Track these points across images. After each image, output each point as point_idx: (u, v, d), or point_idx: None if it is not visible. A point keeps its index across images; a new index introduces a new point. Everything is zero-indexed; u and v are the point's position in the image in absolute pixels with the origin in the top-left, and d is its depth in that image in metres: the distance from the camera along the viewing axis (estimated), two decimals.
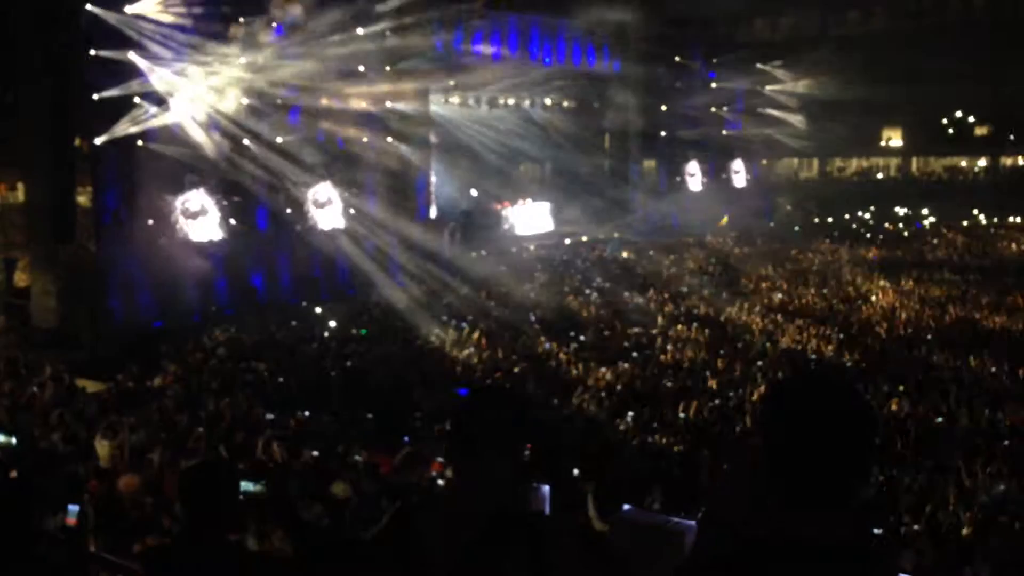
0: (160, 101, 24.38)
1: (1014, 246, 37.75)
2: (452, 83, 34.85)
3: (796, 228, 45.66)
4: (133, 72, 23.49)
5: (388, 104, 31.47)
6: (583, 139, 41.49)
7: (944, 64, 42.01)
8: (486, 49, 35.29)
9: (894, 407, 15.91)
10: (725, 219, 45.61)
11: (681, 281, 30.94)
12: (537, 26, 37.62)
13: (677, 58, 44.74)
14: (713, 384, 17.85)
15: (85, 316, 22.29)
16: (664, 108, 45.12)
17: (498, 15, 34.23)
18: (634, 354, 20.38)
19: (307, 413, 14.82)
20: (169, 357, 19.26)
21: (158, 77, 24.07)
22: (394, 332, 23.13)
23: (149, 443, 11.19)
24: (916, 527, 9.85)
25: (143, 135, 24.05)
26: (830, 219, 47.30)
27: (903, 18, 45.20)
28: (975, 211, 45.47)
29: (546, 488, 3.28)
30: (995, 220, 44.51)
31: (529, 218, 41.56)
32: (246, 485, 8.20)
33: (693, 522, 3.04)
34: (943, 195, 48.20)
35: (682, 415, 15.44)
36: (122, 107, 23.37)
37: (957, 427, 14.68)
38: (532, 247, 39.37)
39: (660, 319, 24.35)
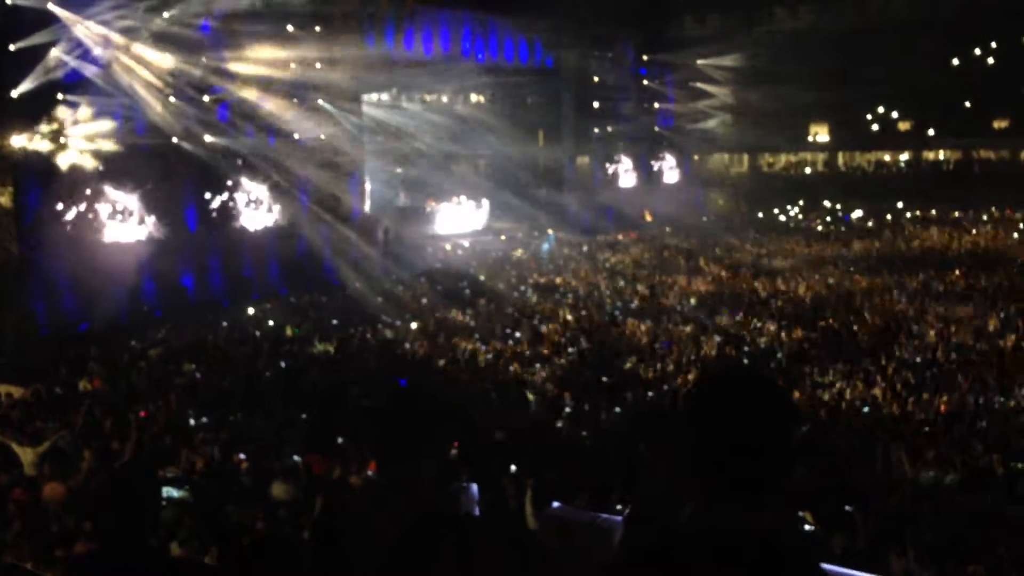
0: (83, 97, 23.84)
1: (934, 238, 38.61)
2: (384, 80, 34.64)
3: (727, 221, 46.33)
4: (54, 66, 22.92)
5: (320, 102, 31.18)
6: (517, 135, 41.57)
7: (867, 61, 43.05)
8: (417, 46, 35.14)
9: (825, 397, 16.28)
10: (648, 215, 46.38)
11: (617, 275, 31.23)
12: (468, 23, 37.55)
13: (609, 54, 45.07)
14: (650, 375, 18.07)
15: (8, 319, 21.70)
16: (597, 104, 45.41)
17: (429, 12, 34.11)
18: (570, 349, 20.50)
19: (240, 415, 14.62)
20: (96, 360, 18.85)
21: (80, 71, 23.54)
22: (328, 331, 22.96)
23: (75, 449, 10.92)
24: (848, 508, 10.05)
25: (66, 133, 23.51)
26: (760, 213, 48.06)
27: (827, 16, 46.10)
28: (899, 204, 46.61)
29: (475, 487, 3.28)
30: (918, 212, 45.66)
31: (464, 215, 41.60)
32: (171, 490, 8.06)
33: (621, 518, 3.07)
34: (868, 189, 49.38)
35: (618, 409, 15.58)
36: (44, 104, 22.79)
37: (885, 414, 15.05)
38: (467, 243, 39.37)
39: (596, 314, 24.56)
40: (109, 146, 24.44)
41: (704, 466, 2.07)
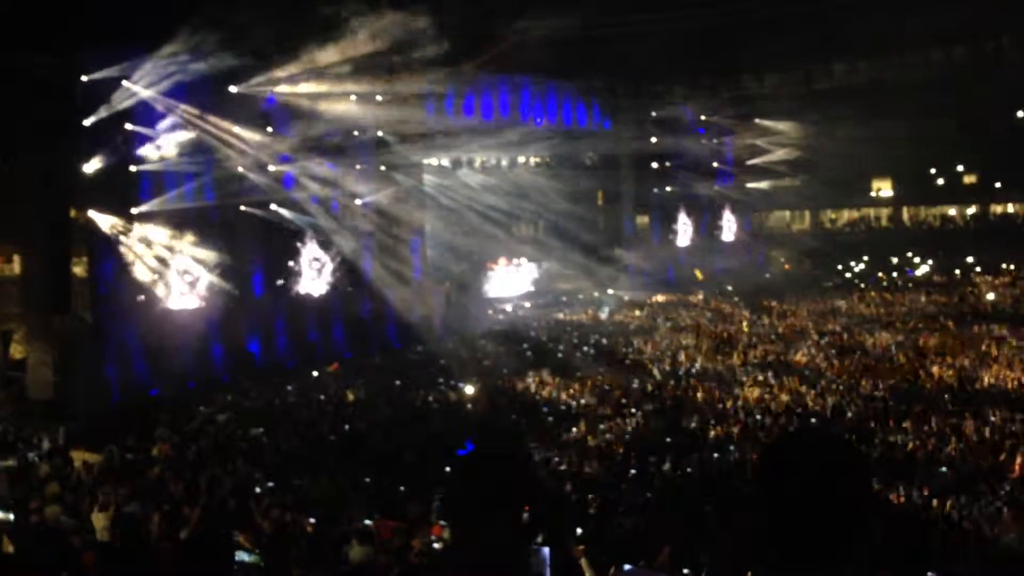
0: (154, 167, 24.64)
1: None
2: (444, 145, 35.18)
3: (789, 279, 45.79)
4: (128, 142, 23.73)
5: (382, 168, 31.77)
6: (576, 197, 41.76)
7: (930, 115, 42.51)
8: (477, 112, 35.72)
9: (899, 456, 15.85)
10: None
11: (679, 337, 30.92)
12: (527, 87, 38.09)
13: (666, 115, 45.25)
14: (714, 434, 17.80)
15: (81, 386, 22.19)
16: (655, 164, 45.54)
17: (488, 78, 34.69)
18: (632, 411, 20.30)
19: (305, 479, 14.69)
20: (166, 425, 19.14)
21: (151, 143, 24.35)
22: (390, 394, 23.08)
23: (146, 513, 11.06)
24: (930, 575, 9.76)
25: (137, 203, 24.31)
26: (824, 270, 47.43)
27: (888, 71, 45.76)
28: (968, 258, 45.65)
29: (546, 550, 3.25)
30: (986, 267, 44.60)
31: (524, 276, 41.77)
32: (242, 554, 8.10)
33: None
34: (935, 243, 48.52)
35: (688, 469, 15.36)
36: (117, 176, 23.53)
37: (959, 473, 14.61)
38: (528, 304, 39.44)
39: (657, 375, 24.34)
40: (179, 215, 25.16)
41: (777, 529, 2.04)
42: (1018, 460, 15.01)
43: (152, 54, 23.06)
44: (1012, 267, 43.54)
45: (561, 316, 36.95)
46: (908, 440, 16.71)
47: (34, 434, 18.46)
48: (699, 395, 21.66)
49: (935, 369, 23.03)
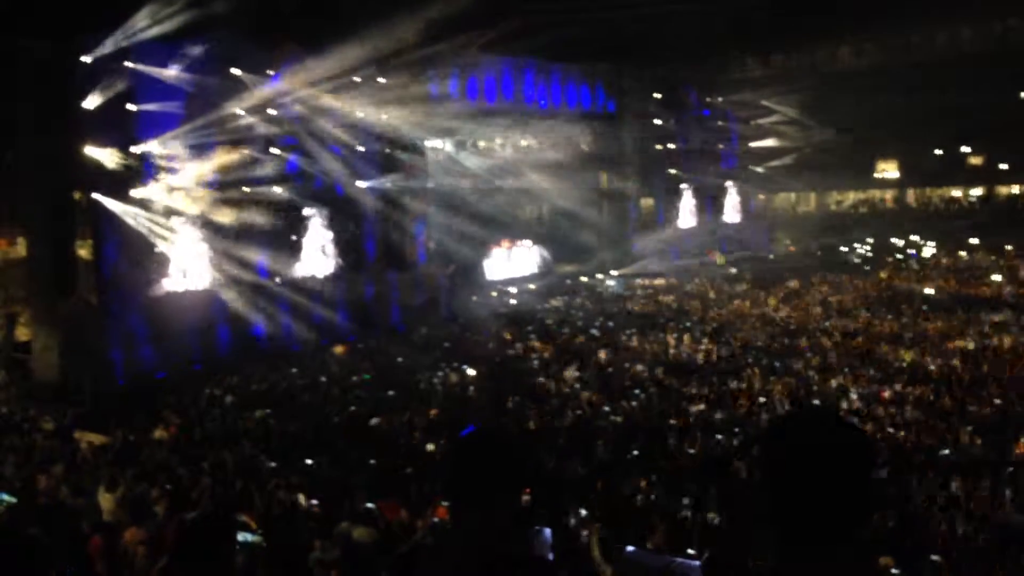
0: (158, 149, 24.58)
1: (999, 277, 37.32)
2: (448, 127, 35.07)
3: (795, 260, 45.74)
4: (130, 123, 23.68)
5: (386, 150, 31.71)
6: (581, 179, 41.65)
7: (936, 96, 42.34)
8: (481, 94, 35.59)
9: (900, 437, 15.87)
10: (722, 258, 46.12)
11: (683, 319, 30.93)
12: (531, 69, 37.95)
13: (671, 96, 45.09)
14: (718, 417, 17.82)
15: (87, 369, 22.26)
16: (660, 146, 45.40)
17: (492, 59, 34.54)
18: (636, 391, 20.32)
19: (310, 460, 14.74)
20: (171, 407, 19.21)
21: (154, 125, 24.31)
22: (394, 376, 23.10)
23: (152, 495, 11.11)
24: (934, 558, 9.78)
25: (142, 186, 24.26)
26: (829, 251, 47.38)
27: (893, 52, 45.50)
28: (972, 240, 45.54)
29: (548, 532, 3.26)
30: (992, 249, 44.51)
31: (529, 258, 41.74)
32: (245, 535, 8.14)
33: (698, 562, 3.03)
34: (940, 225, 48.38)
35: (691, 451, 15.37)
36: (119, 158, 23.49)
37: (962, 456, 14.61)
38: (532, 286, 39.43)
39: (661, 355, 24.36)
40: (183, 196, 25.13)
41: (780, 512, 2.04)
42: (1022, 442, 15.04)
43: (154, 33, 22.95)
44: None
45: (566, 298, 36.94)
46: (912, 424, 16.73)
47: (39, 416, 18.56)
48: (701, 379, 21.71)
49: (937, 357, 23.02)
